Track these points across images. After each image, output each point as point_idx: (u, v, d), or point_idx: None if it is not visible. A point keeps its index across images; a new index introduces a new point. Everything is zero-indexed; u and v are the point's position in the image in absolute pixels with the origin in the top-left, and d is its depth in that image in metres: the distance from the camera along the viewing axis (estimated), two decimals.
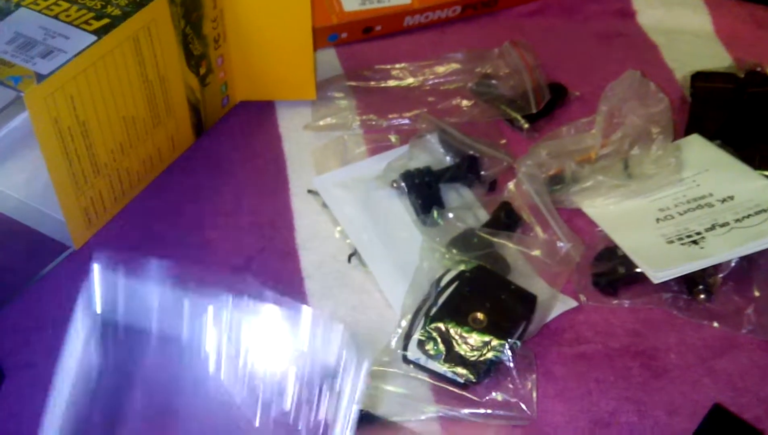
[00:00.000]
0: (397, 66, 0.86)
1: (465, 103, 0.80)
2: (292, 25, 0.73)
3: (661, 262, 0.61)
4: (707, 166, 0.70)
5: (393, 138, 0.77)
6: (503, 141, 0.78)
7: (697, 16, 0.95)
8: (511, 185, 0.69)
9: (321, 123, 0.79)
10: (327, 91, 0.83)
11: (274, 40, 0.74)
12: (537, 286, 0.62)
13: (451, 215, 0.65)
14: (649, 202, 0.67)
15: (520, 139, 0.78)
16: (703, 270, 0.62)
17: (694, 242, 0.63)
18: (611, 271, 0.63)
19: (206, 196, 0.71)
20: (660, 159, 0.67)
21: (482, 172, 0.71)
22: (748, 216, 0.64)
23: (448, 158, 0.71)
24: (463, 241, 0.63)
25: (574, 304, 0.63)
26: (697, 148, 0.72)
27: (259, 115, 0.80)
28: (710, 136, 0.74)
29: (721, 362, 0.60)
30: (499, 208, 0.67)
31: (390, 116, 0.79)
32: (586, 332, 0.62)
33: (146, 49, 0.63)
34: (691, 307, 0.62)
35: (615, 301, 0.63)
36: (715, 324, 0.61)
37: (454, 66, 0.85)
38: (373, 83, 0.84)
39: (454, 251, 0.62)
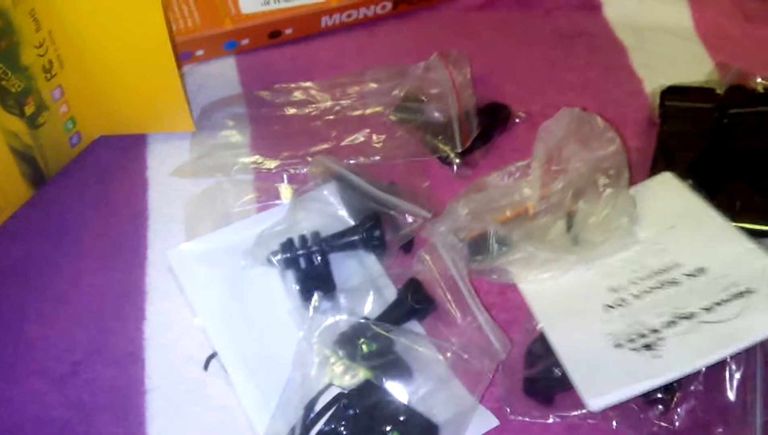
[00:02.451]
0: (303, 84, 0.71)
1: (375, 138, 0.66)
2: (145, 40, 0.58)
3: (602, 382, 0.47)
4: (676, 221, 0.55)
5: (284, 188, 0.62)
6: (426, 183, 0.64)
7: (675, 8, 0.81)
8: (424, 253, 0.55)
9: (193, 166, 0.64)
10: (214, 119, 0.68)
11: (126, 61, 0.60)
12: (453, 392, 0.49)
13: (342, 300, 0.51)
14: (599, 275, 0.53)
15: (450, 179, 0.64)
16: None
17: (648, 347, 0.48)
18: (545, 374, 0.49)
19: (35, 274, 0.57)
20: (610, 218, 0.53)
21: (392, 233, 0.56)
22: (721, 302, 0.49)
23: (347, 217, 0.57)
24: (354, 340, 0.49)
25: (495, 422, 0.49)
26: (665, 193, 0.58)
27: (123, 153, 0.66)
28: (682, 172, 0.60)
29: None
30: (406, 288, 0.53)
31: (284, 155, 0.65)
32: None
33: None
34: (644, 424, 0.48)
35: (549, 416, 0.49)
36: None
37: (372, 85, 0.70)
38: (267, 110, 0.69)
39: (340, 355, 0.48)
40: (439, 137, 0.65)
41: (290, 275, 0.53)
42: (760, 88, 0.66)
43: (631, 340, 0.49)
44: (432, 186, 0.63)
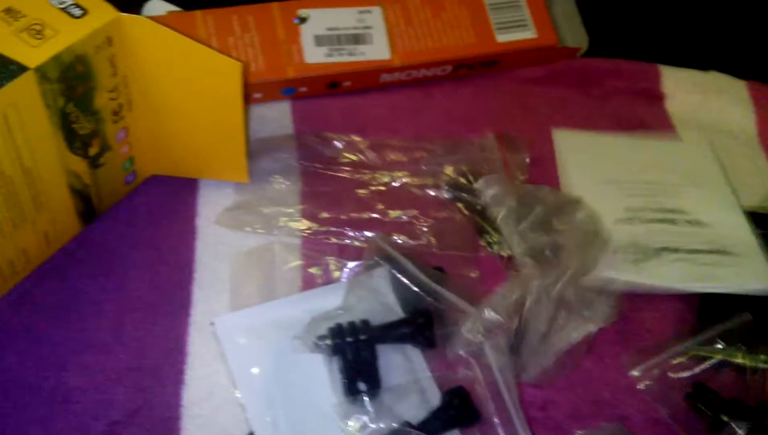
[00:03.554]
0: (354, 138, 0.72)
1: (423, 220, 0.66)
2: (218, 96, 0.59)
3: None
4: (698, 179, 0.70)
5: (333, 263, 0.63)
6: (475, 274, 0.64)
7: (739, 110, 0.82)
8: (469, 357, 0.56)
9: (236, 217, 0.64)
10: (263, 166, 0.69)
11: (195, 111, 0.60)
12: None
13: (385, 400, 0.52)
14: (627, 195, 0.68)
15: (501, 271, 0.65)
16: None
17: (638, 260, 0.62)
18: None
19: (76, 316, 0.57)
20: None
21: (440, 329, 0.57)
22: (701, 251, 0.63)
23: (396, 305, 0.58)
24: None
25: None
26: (698, 154, 0.73)
27: (174, 196, 0.67)
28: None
29: None
30: (452, 396, 0.54)
31: (325, 217, 0.66)
32: None
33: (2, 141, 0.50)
34: None
35: None
36: None
37: (423, 155, 0.71)
38: (318, 166, 0.70)
39: None
40: (489, 222, 0.66)
41: (336, 363, 0.54)
42: None
43: (627, 250, 0.63)
44: (482, 277, 0.63)
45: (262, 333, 0.55)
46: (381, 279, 0.58)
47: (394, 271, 0.58)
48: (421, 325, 0.55)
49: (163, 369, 0.56)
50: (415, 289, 0.57)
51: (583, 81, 0.83)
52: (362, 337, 0.54)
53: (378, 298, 0.57)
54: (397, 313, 0.57)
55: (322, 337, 0.54)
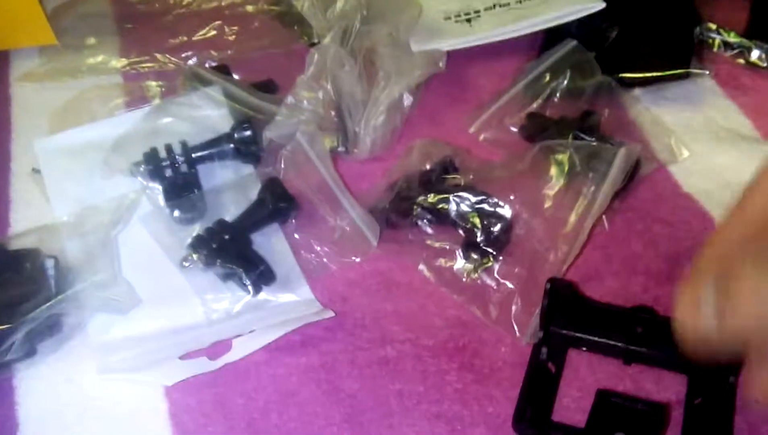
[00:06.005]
0: None
1: (228, 30, 0.69)
2: None
3: (424, 35, 0.65)
4: None
5: (150, 86, 0.65)
6: (303, 76, 0.66)
7: None
8: (286, 151, 0.57)
9: (40, 71, 0.66)
10: (72, 24, 0.71)
11: None
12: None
13: (203, 198, 0.54)
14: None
15: None
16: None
17: (468, 21, 0.67)
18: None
19: None
20: None
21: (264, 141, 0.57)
22: None
23: (221, 125, 0.58)
24: (210, 241, 0.52)
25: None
26: None
27: None
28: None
29: None
30: (265, 188, 0.54)
31: (132, 54, 0.68)
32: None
33: None
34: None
35: None
36: None
37: None
38: (120, 8, 0.72)
39: (195, 257, 0.52)
40: (303, 24, 0.67)
41: (155, 189, 0.55)
42: None
43: (458, 16, 0.68)
44: None
45: (79, 152, 0.57)
46: (199, 100, 0.58)
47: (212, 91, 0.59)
48: (245, 140, 0.55)
49: None
50: (237, 106, 0.58)
51: None
52: (181, 159, 0.54)
53: (197, 120, 0.57)
54: (218, 132, 0.57)
55: (137, 164, 0.55)
